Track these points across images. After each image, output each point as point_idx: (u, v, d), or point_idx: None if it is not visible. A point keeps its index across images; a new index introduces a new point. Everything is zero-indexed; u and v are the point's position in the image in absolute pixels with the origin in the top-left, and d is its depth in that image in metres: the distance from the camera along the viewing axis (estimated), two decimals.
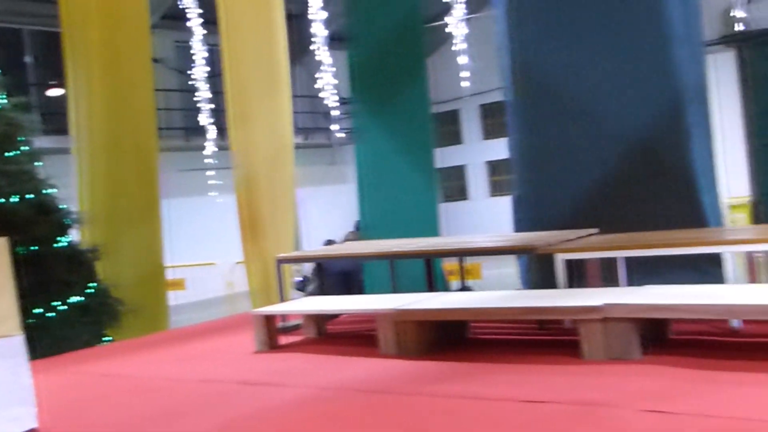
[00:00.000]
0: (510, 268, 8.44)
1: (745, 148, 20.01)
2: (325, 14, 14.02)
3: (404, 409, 4.09)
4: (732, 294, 4.53)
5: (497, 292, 5.96)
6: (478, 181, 27.89)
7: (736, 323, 4.97)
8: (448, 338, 5.43)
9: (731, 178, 19.36)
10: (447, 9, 16.13)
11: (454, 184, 28.54)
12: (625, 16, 6.65)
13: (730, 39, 19.50)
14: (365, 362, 5.27)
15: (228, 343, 6.79)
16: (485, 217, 24.60)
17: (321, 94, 16.35)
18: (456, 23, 15.95)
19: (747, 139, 19.95)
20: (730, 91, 20.11)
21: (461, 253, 7.02)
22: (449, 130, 28.50)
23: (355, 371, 5.07)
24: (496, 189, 25.92)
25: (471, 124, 27.77)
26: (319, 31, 14.31)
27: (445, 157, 28.28)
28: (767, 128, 19.13)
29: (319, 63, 15.76)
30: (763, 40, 18.58)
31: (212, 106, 16.51)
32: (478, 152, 26.93)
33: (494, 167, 25.97)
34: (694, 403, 3.64)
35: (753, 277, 5.30)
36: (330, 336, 6.47)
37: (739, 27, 16.71)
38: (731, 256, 5.08)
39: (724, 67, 20.16)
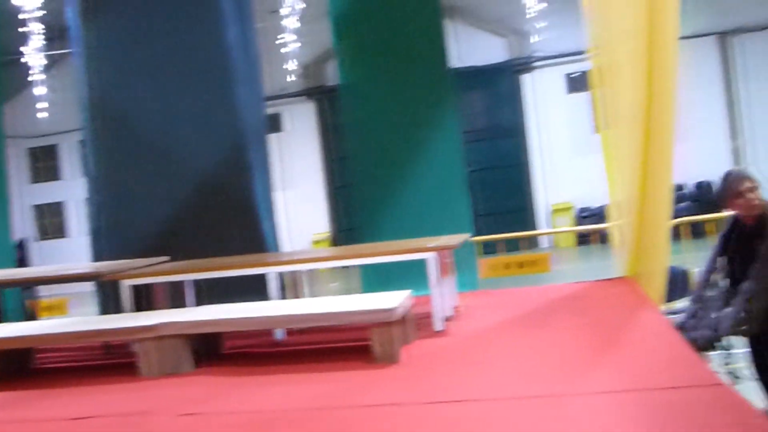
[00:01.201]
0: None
1: (325, 191, 22.24)
2: None
3: None
4: (273, 308, 5.16)
5: (62, 320, 6.01)
6: (78, 217, 26.88)
7: (279, 335, 5.67)
8: (11, 370, 5.34)
9: (311, 217, 21.50)
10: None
11: (53, 221, 27.18)
12: (195, 58, 7.14)
13: (311, 92, 21.60)
14: None
15: None
16: (86, 255, 23.76)
17: None
18: (32, 53, 15.42)
19: (326, 182, 22.19)
20: (311, 138, 22.31)
21: (21, 284, 6.89)
22: (47, 165, 27.15)
23: None
24: None
25: (71, 160, 26.76)
26: None
27: (42, 193, 26.82)
28: (342, 172, 21.44)
29: None
30: (337, 94, 20.82)
31: None
32: (78, 188, 25.98)
33: None
34: (227, 404, 4.14)
35: (296, 293, 6.08)
36: None
37: (291, 78, 18.69)
38: (277, 276, 5.75)
39: (306, 116, 22.30)
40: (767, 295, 4.47)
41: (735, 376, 4.86)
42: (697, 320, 4.93)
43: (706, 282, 4.96)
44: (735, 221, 4.81)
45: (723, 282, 4.87)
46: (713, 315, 4.83)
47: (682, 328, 4.96)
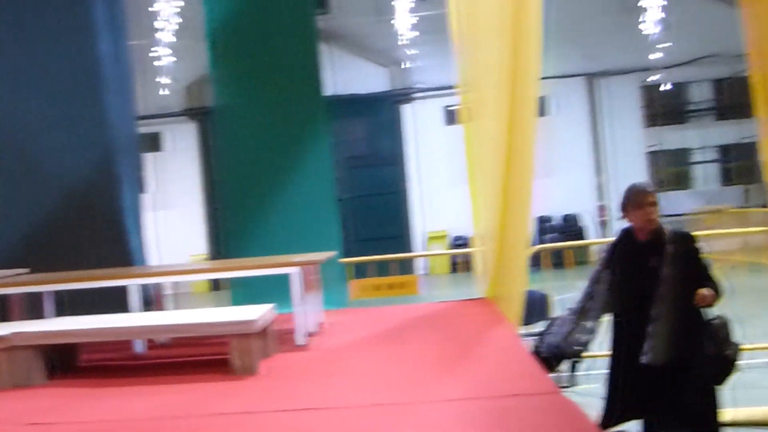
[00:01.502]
0: None
1: (204, 211, 21.91)
2: None
3: None
4: (129, 319, 5.11)
5: None
6: None
7: (139, 348, 5.60)
8: None
9: (189, 237, 21.13)
10: None
11: None
12: (64, 67, 7.01)
13: (193, 112, 21.35)
14: None
15: None
16: None
17: None
18: None
19: (205, 202, 21.87)
20: (192, 158, 22.02)
21: None
22: None
23: None
24: None
25: None
26: None
27: None
28: (220, 194, 21.05)
29: None
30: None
31: None
32: None
33: None
34: (77, 414, 4.08)
35: (159, 305, 6.03)
36: None
37: (165, 92, 18.51)
38: (139, 290, 5.69)
39: (187, 136, 21.99)
40: (674, 317, 4.48)
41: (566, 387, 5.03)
42: (571, 329, 4.96)
43: (590, 294, 4.92)
44: (627, 234, 4.79)
45: (604, 294, 4.84)
46: (589, 324, 4.90)
47: (554, 342, 5.04)
